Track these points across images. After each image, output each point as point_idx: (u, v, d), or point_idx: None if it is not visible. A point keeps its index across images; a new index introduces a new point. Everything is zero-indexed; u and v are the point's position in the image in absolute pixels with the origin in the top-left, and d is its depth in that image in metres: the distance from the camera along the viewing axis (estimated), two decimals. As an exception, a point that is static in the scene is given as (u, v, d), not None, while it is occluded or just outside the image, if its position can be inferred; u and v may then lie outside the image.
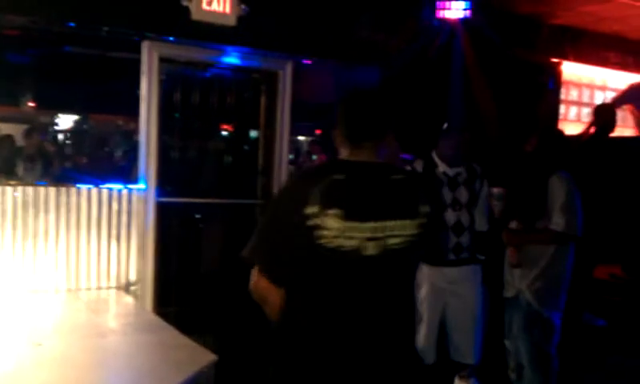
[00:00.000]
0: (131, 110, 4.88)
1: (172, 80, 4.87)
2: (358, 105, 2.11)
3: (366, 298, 1.98)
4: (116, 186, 4.55)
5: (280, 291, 1.99)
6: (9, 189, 4.21)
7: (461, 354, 4.19)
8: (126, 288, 4.59)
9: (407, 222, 1.98)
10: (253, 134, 5.50)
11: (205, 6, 4.55)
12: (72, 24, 4.45)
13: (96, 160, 7.13)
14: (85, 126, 9.44)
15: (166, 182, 4.83)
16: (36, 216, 4.27)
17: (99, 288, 4.51)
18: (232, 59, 5.01)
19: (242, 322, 5.06)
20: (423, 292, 4.09)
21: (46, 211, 4.30)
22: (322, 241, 1.89)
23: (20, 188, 4.24)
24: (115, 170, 5.60)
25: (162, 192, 4.75)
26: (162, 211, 4.76)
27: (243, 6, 4.72)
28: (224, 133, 5.63)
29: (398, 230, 1.97)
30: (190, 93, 5.05)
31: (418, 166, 4.15)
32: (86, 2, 4.34)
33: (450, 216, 4.06)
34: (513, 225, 3.99)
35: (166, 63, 4.70)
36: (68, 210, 4.36)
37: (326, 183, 1.92)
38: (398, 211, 1.99)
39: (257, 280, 2.01)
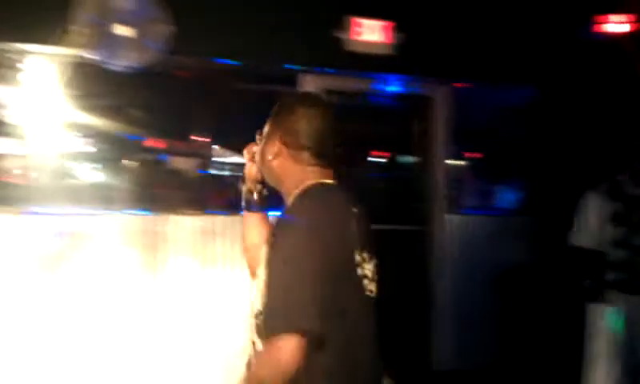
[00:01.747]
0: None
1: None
2: (328, 113, 1.73)
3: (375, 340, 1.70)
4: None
5: None
6: (187, 218, 4.52)
7: None
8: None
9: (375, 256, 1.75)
10: (409, 159, 5.52)
11: (359, 36, 4.66)
12: (237, 62, 4.75)
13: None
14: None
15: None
16: (213, 244, 4.56)
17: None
18: (387, 87, 5.09)
19: (407, 348, 5.06)
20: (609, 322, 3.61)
21: (228, 240, 4.57)
22: (367, 293, 1.63)
23: (198, 217, 4.53)
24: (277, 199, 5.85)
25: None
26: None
27: (398, 34, 4.77)
28: (380, 159, 5.69)
29: (377, 266, 1.72)
30: (346, 121, 5.16)
31: (604, 188, 3.71)
32: (248, 41, 4.59)
33: None
34: None
35: (324, 94, 4.85)
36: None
37: (355, 219, 1.62)
38: (373, 245, 1.73)
39: (299, 353, 1.44)
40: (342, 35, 4.66)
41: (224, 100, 5.48)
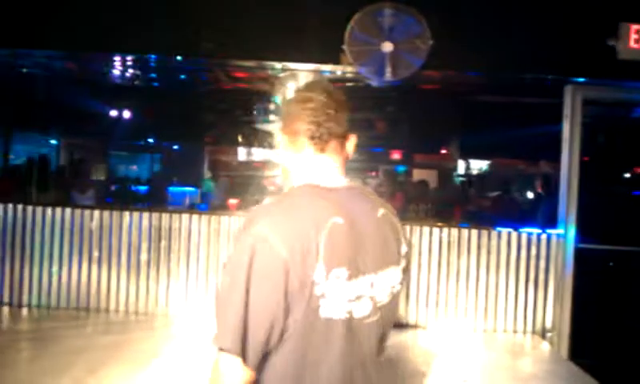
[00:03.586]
0: (541, 153, 4.87)
1: (592, 122, 4.72)
2: (324, 94, 1.57)
3: (365, 368, 1.50)
4: (535, 231, 4.56)
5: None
6: (436, 230, 4.57)
7: None
8: (542, 334, 4.53)
9: (394, 269, 1.55)
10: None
11: (633, 43, 4.31)
12: (485, 74, 4.70)
13: (506, 203, 7.29)
14: (495, 171, 9.78)
15: (584, 227, 4.64)
16: (459, 256, 4.54)
17: (515, 331, 4.55)
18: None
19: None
20: None
21: (468, 252, 4.54)
22: (331, 314, 1.42)
23: (445, 229, 4.56)
24: (527, 213, 5.65)
25: (580, 238, 4.59)
26: (580, 258, 4.60)
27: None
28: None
29: (386, 281, 1.52)
30: (610, 134, 4.84)
31: None
32: (503, 52, 4.49)
33: None
34: None
35: (590, 105, 4.58)
36: (487, 252, 4.54)
37: (328, 231, 1.41)
38: (387, 258, 1.54)
39: (232, 373, 1.38)
40: (615, 43, 4.34)
41: (479, 113, 5.44)
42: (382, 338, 1.56)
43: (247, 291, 1.35)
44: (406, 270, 1.60)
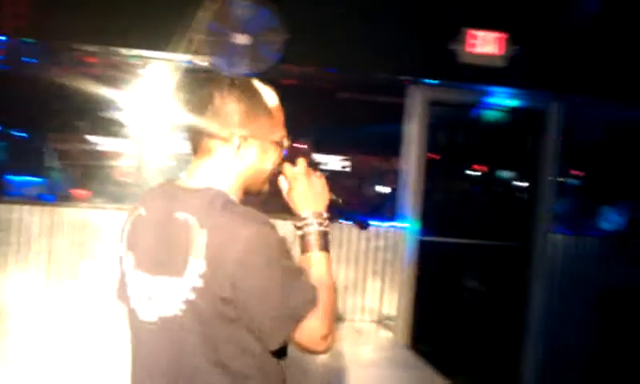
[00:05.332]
0: (391, 150, 5.05)
1: (435, 122, 4.94)
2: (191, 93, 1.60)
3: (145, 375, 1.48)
4: (379, 224, 4.73)
5: None
6: (284, 223, 4.60)
7: None
8: (383, 323, 4.71)
9: (177, 281, 1.37)
10: (515, 175, 5.37)
11: (473, 48, 4.58)
12: (338, 71, 4.83)
13: (357, 198, 7.49)
14: (347, 166, 10.00)
15: (427, 220, 4.89)
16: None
17: (360, 320, 4.70)
18: (498, 100, 4.96)
19: (498, 365, 4.94)
20: None
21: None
22: (127, 290, 1.53)
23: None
24: (375, 207, 5.84)
25: (423, 231, 4.82)
26: (422, 250, 4.83)
27: (514, 46, 4.65)
28: (485, 173, 5.56)
29: (168, 291, 1.39)
30: (452, 134, 5.11)
31: None
32: (356, 51, 4.61)
33: None
34: None
35: (433, 106, 4.80)
36: (337, 245, 4.63)
37: (131, 218, 1.53)
38: (168, 266, 1.40)
39: None
40: (454, 46, 4.59)
41: (329, 109, 5.53)
42: (183, 359, 1.38)
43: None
44: (207, 295, 1.34)
